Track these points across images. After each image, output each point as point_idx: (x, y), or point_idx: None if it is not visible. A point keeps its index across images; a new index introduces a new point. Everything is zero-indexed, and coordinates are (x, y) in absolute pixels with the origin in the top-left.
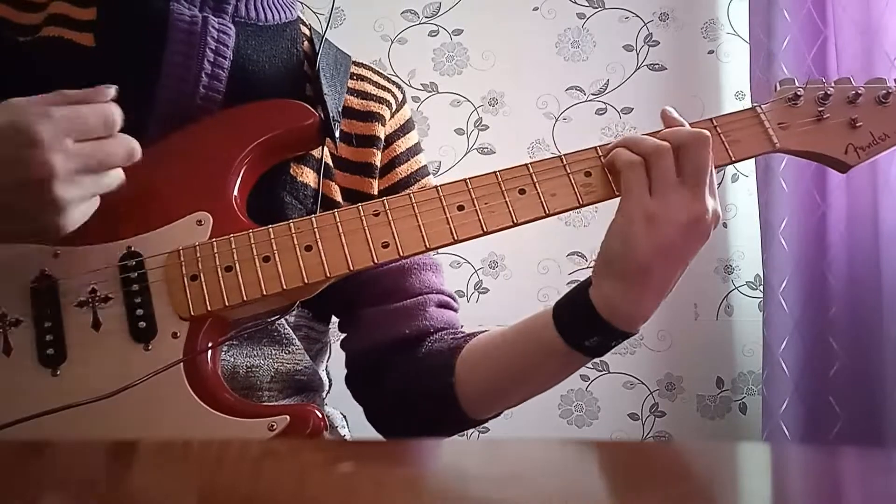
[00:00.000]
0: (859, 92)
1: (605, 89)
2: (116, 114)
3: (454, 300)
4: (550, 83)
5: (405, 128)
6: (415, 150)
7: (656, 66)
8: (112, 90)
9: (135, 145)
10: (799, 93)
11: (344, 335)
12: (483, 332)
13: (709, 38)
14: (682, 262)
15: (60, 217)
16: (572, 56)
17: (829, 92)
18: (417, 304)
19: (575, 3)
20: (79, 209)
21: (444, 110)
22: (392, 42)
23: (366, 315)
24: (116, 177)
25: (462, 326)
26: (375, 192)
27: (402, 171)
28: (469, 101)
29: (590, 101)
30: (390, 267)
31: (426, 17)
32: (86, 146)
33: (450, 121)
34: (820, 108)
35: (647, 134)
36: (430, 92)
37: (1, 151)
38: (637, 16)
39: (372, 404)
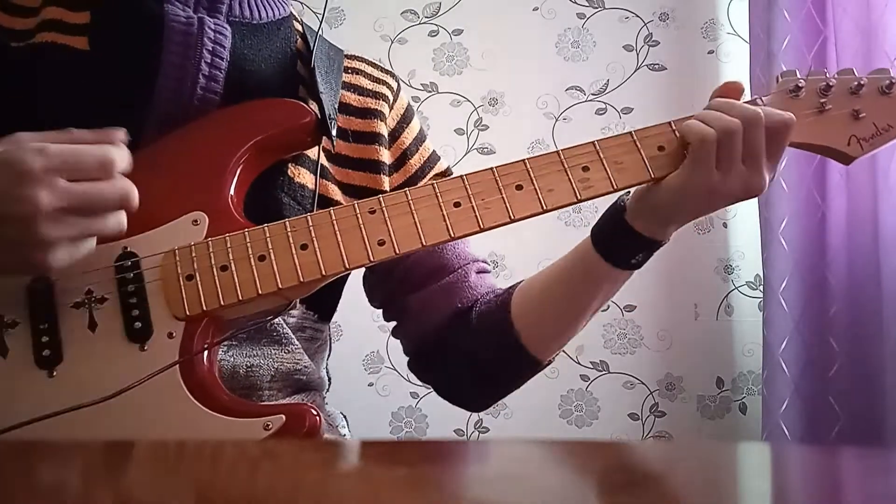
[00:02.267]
0: (862, 82)
1: (605, 89)
2: (116, 156)
3: (487, 263)
4: (550, 83)
5: (406, 118)
6: (420, 138)
7: (656, 66)
8: (122, 133)
9: (131, 191)
10: (800, 84)
11: (393, 323)
12: (520, 283)
13: (709, 38)
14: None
15: (44, 254)
16: (572, 56)
17: (830, 83)
18: (459, 278)
19: (575, 3)
20: (65, 249)
21: (444, 110)
22: (392, 42)
23: (414, 301)
24: (114, 223)
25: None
26: (388, 189)
27: (415, 162)
28: (469, 101)
29: (590, 101)
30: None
31: (426, 17)
32: (76, 186)
33: (450, 121)
34: (822, 100)
35: (715, 105)
36: (430, 92)
37: None
38: (637, 16)
39: (443, 381)
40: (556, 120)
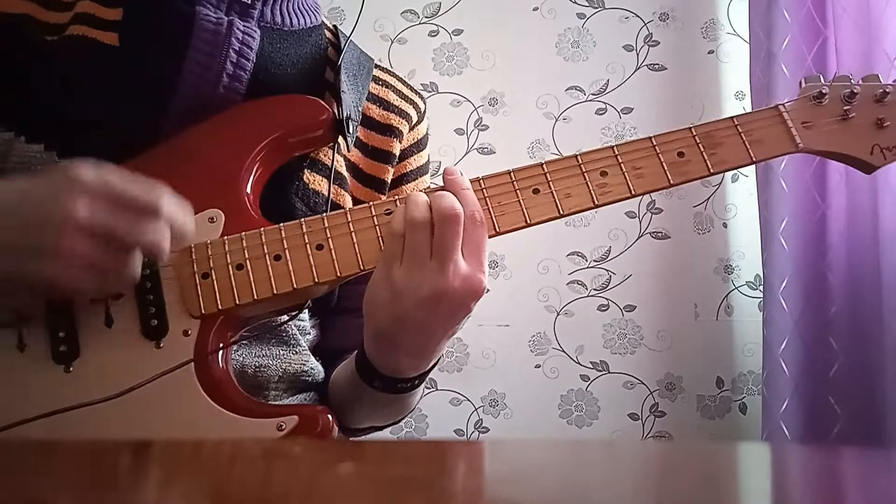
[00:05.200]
0: (887, 90)
1: (605, 89)
2: (165, 202)
3: None
4: (550, 83)
5: (420, 144)
6: (423, 169)
7: (656, 66)
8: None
9: (162, 240)
10: (824, 91)
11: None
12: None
13: (709, 38)
14: (434, 332)
15: (59, 267)
16: (572, 56)
17: (855, 90)
18: (360, 325)
19: (575, 3)
20: (80, 270)
21: (444, 110)
22: (392, 42)
23: (329, 321)
24: (134, 268)
25: None
26: None
27: (408, 189)
28: (469, 101)
29: (590, 101)
30: (360, 288)
31: (426, 17)
32: (115, 214)
33: (450, 121)
34: (846, 107)
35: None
36: (430, 92)
37: (36, 192)
38: (637, 16)
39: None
40: (556, 120)
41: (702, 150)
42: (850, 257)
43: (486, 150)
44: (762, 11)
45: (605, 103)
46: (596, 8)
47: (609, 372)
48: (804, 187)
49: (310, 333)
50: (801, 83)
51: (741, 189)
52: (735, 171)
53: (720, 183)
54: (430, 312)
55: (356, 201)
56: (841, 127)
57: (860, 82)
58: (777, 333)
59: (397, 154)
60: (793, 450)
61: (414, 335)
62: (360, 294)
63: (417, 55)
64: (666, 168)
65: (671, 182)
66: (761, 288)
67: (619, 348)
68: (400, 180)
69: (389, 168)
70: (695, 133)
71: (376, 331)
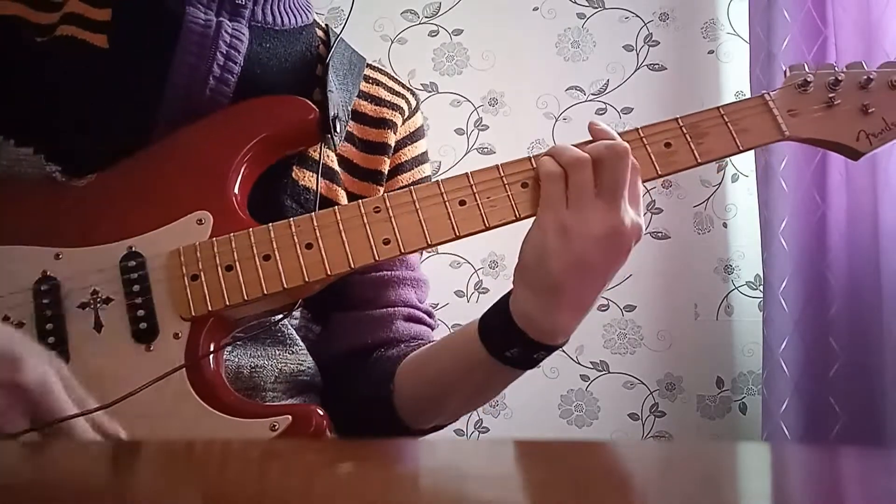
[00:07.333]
0: (871, 77)
1: (605, 89)
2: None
3: (429, 316)
4: (550, 83)
5: (415, 136)
6: (420, 159)
7: (656, 66)
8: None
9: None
10: (809, 79)
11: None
12: (429, 343)
13: (709, 38)
14: (600, 278)
15: None
16: (572, 56)
17: (839, 77)
18: (385, 315)
19: (575, 3)
20: None
21: (444, 110)
22: (392, 42)
23: (337, 319)
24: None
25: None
26: None
27: (405, 179)
28: (469, 101)
29: (590, 101)
30: (372, 276)
31: (426, 17)
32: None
33: (450, 121)
34: (831, 94)
35: (578, 144)
36: (430, 92)
37: None
38: (637, 16)
39: (328, 401)
40: (556, 120)
41: (689, 140)
42: (850, 257)
43: (486, 150)
44: (762, 11)
45: (605, 103)
46: (596, 8)
47: (609, 372)
48: (804, 187)
49: (303, 330)
50: (785, 72)
51: (741, 189)
52: (735, 171)
53: (720, 183)
54: (604, 252)
55: (352, 196)
56: (826, 114)
57: (844, 69)
58: (777, 333)
59: (392, 144)
60: (793, 450)
61: (587, 280)
62: (366, 283)
63: (417, 55)
64: (653, 159)
65: (659, 173)
66: (761, 288)
67: (619, 348)
68: (396, 171)
69: (385, 159)
70: (681, 123)
71: (540, 284)
